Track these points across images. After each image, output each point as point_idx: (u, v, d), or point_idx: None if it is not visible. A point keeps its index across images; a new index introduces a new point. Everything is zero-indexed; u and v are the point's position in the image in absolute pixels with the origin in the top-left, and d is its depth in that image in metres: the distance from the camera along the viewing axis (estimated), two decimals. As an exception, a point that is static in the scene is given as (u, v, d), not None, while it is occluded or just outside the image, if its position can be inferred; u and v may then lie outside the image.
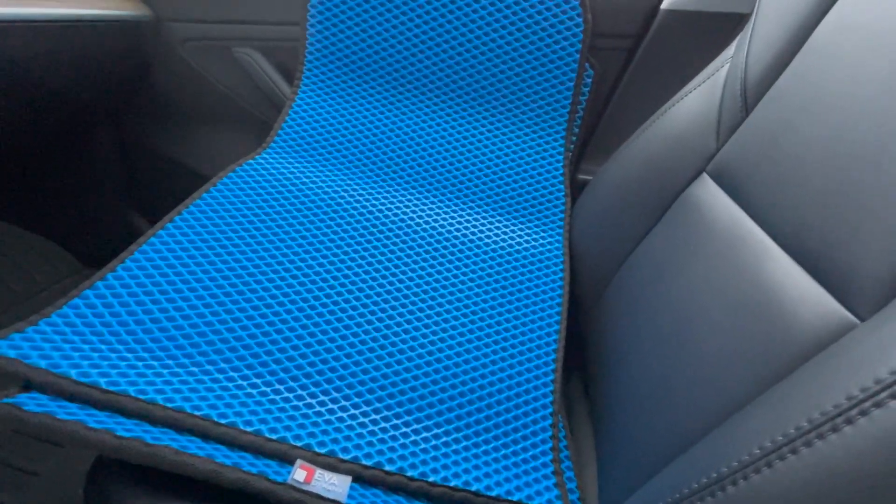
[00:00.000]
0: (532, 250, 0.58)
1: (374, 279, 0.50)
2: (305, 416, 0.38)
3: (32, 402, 0.32)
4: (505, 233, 0.60)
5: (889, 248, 0.25)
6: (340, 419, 0.39)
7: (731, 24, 0.58)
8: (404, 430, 0.40)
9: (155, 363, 0.38)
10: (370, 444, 0.38)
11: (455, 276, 0.53)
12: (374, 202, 0.59)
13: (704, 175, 0.45)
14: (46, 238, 0.88)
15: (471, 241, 0.58)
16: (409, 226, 0.57)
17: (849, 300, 0.27)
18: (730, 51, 0.48)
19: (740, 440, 0.25)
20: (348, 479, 0.35)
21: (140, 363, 0.37)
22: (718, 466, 0.25)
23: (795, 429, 0.22)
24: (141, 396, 0.35)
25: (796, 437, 0.22)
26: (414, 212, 0.59)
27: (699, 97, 0.48)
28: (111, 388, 0.34)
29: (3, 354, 0.34)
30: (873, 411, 0.20)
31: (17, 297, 0.77)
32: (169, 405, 0.35)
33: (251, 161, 0.59)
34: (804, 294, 0.29)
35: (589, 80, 0.64)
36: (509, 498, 0.38)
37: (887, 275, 0.25)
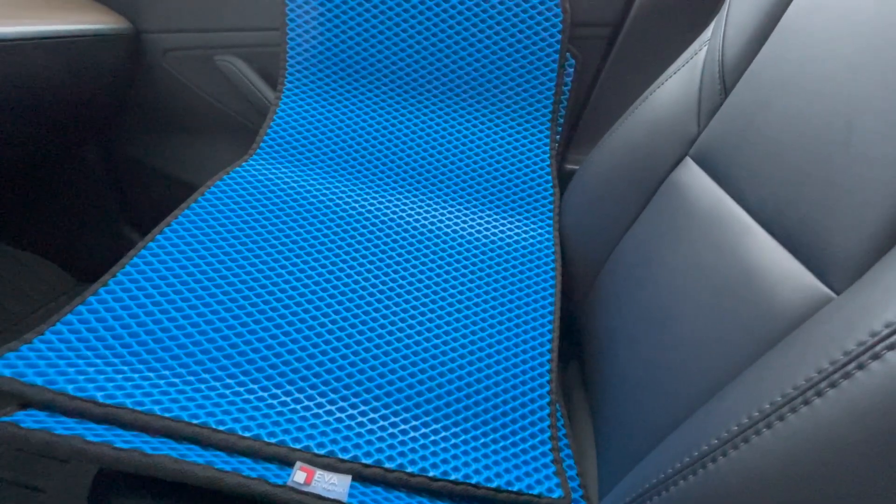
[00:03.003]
0: (523, 243, 0.58)
1: (366, 279, 0.51)
2: (303, 418, 0.39)
3: (30, 420, 0.32)
4: (495, 227, 0.60)
5: (860, 223, 0.26)
6: (339, 419, 0.39)
7: (707, 6, 0.58)
8: (403, 426, 0.40)
9: (151, 374, 0.38)
10: (369, 442, 0.38)
11: (447, 273, 0.54)
12: (363, 203, 0.59)
13: (688, 159, 0.45)
14: (41, 257, 0.88)
15: (461, 236, 0.58)
16: (399, 225, 0.57)
17: (826, 275, 0.27)
18: (707, 33, 0.49)
19: (719, 418, 0.25)
20: (348, 478, 0.35)
21: (136, 375, 0.38)
22: (700, 445, 0.25)
23: (770, 404, 0.22)
24: (138, 408, 0.35)
25: (771, 412, 0.22)
26: (404, 210, 0.59)
27: (679, 81, 0.48)
28: (108, 402, 0.35)
29: None
30: (841, 382, 0.20)
31: (13, 318, 0.77)
32: (166, 415, 0.35)
33: (238, 168, 0.59)
34: (784, 271, 0.30)
35: (571, 70, 0.64)
36: (510, 488, 0.38)
37: (859, 249, 0.25)
